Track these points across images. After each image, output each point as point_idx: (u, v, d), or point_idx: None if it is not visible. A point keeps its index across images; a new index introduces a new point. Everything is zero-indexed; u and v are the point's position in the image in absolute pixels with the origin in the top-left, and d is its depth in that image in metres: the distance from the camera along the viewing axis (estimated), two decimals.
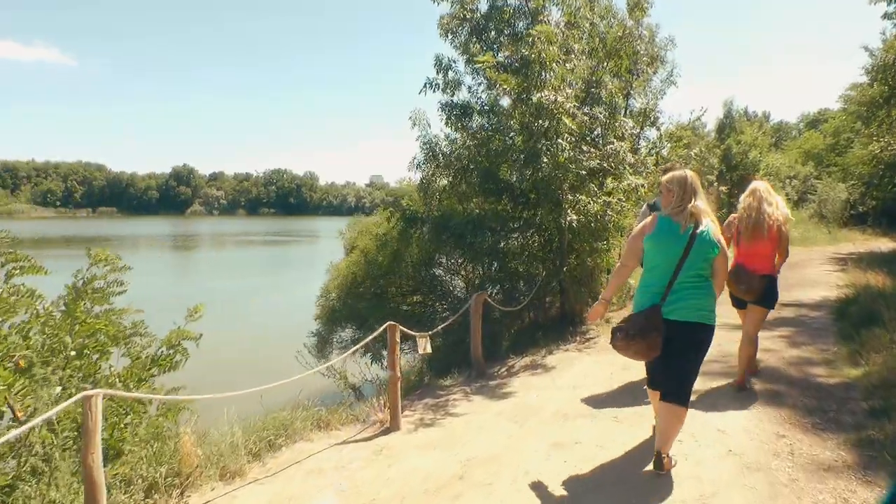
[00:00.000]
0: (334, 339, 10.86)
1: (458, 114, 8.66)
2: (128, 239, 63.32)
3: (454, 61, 8.61)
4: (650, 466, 3.58)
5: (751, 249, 4.62)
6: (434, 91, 8.20)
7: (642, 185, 7.99)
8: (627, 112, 10.55)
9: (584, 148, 7.42)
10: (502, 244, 7.95)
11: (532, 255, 8.05)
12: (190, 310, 5.05)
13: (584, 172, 7.76)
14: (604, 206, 7.92)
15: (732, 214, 4.90)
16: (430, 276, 9.95)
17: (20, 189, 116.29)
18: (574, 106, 6.87)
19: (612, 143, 7.41)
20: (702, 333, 3.36)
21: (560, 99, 6.47)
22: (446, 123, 8.77)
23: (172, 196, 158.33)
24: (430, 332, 5.89)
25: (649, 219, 3.49)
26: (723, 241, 3.41)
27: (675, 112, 37.43)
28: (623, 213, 8.70)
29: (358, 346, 5.37)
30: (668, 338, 3.30)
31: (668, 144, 12.51)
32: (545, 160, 7.02)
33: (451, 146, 8.98)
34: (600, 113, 8.07)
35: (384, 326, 5.02)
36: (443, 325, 6.44)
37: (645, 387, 3.84)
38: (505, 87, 7.05)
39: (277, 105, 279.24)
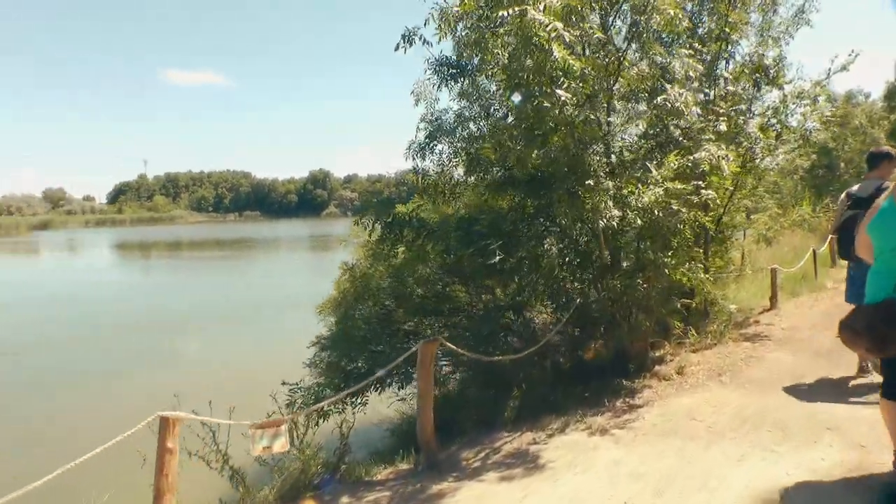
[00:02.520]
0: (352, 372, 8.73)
1: (454, 74, 6.21)
2: (270, 241, 66.89)
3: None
4: None
5: None
6: (411, 44, 5.75)
7: (725, 157, 4.96)
8: (726, 61, 7.37)
9: (617, 105, 4.65)
10: (498, 259, 5.31)
11: (548, 271, 5.33)
12: None
13: (618, 147, 5.00)
14: (664, 197, 5.04)
15: None
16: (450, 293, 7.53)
17: (180, 197, 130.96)
18: (573, 32, 4.07)
19: (666, 91, 4.48)
20: None
21: (534, 14, 3.70)
22: (439, 87, 6.39)
23: (310, 199, 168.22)
24: (291, 416, 3.55)
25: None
26: None
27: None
28: (709, 206, 5.71)
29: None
30: None
31: (805, 109, 8.80)
32: (549, 124, 4.37)
33: (458, 122, 6.58)
34: (656, 53, 5.18)
35: (153, 417, 2.79)
36: (325, 403, 4.04)
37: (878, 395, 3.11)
38: (459, 9, 4.46)
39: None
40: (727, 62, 7.39)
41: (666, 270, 5.47)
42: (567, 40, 3.83)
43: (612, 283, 5.36)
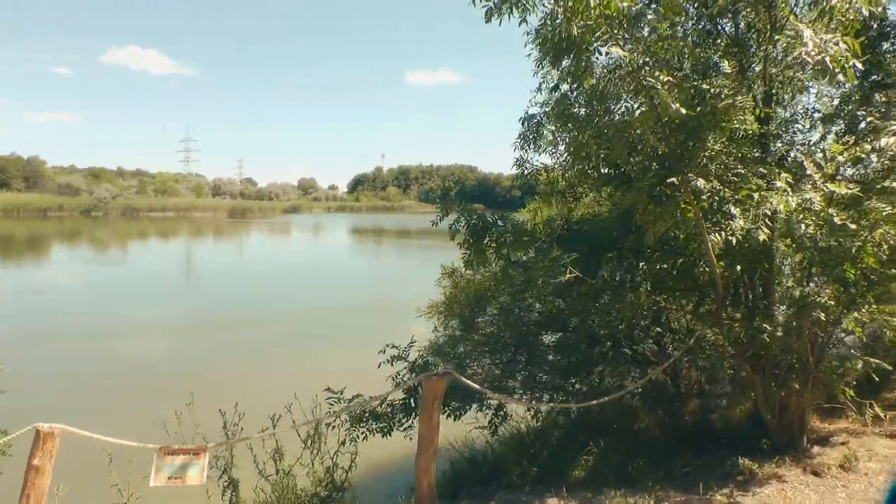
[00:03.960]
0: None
1: (564, 47, 5.08)
2: None
3: None
4: None
5: None
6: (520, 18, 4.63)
7: None
8: None
9: (727, 65, 3.16)
10: (568, 277, 4.09)
11: (633, 298, 3.98)
12: None
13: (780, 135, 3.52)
14: (823, 205, 3.39)
15: None
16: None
17: (410, 188, 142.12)
18: None
19: (805, 40, 2.82)
20: None
21: None
22: (540, 64, 5.34)
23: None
24: (216, 444, 3.00)
25: None
26: None
27: None
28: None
29: None
30: None
31: None
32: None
33: (562, 106, 5.46)
34: None
35: (29, 427, 2.50)
36: (330, 419, 3.35)
37: None
38: None
39: None
40: None
41: (822, 315, 3.71)
42: None
43: (732, 325, 3.81)
